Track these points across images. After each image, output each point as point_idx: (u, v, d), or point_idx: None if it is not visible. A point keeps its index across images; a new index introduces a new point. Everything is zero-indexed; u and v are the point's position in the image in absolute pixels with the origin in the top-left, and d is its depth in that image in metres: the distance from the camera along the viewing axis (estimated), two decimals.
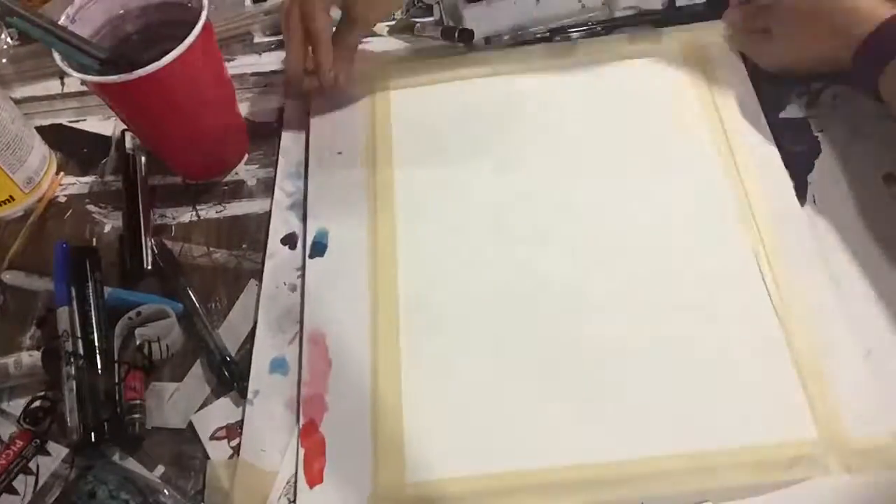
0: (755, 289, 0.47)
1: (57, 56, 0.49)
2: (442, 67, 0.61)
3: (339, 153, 0.58)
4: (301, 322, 0.50)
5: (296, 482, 0.44)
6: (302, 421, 0.46)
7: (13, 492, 0.46)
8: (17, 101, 0.61)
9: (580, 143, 0.55)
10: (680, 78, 0.58)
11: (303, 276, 0.52)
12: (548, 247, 0.51)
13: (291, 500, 0.44)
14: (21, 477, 0.46)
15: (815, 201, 0.50)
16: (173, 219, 0.57)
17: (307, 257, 0.53)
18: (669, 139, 0.54)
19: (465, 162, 0.56)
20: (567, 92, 0.58)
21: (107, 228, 0.57)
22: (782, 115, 0.55)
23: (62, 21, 0.51)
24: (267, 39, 0.67)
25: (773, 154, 0.52)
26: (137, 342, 0.49)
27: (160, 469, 0.46)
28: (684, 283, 0.48)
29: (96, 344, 0.49)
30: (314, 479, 0.44)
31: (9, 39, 0.69)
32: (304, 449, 0.45)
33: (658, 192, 0.52)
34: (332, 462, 0.45)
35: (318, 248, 0.53)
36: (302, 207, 0.55)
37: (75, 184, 0.61)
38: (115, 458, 0.46)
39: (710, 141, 0.54)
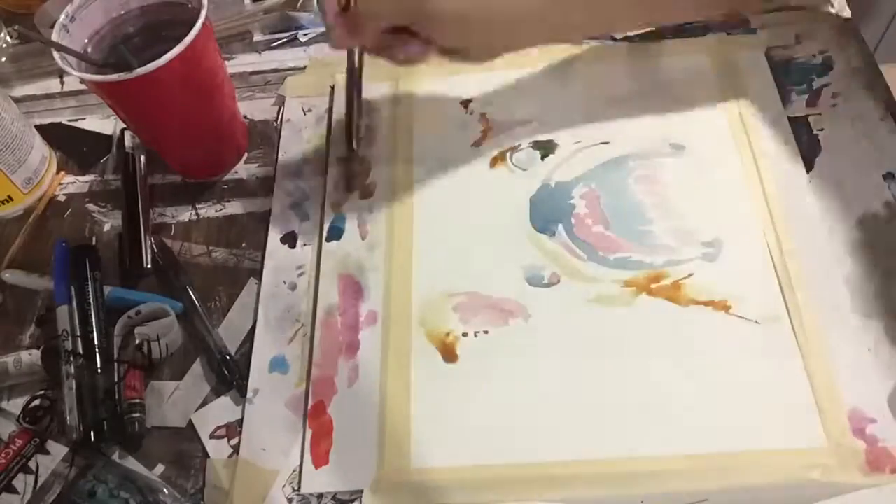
0: (767, 288, 0.47)
1: (56, 55, 0.49)
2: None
3: (361, 137, 0.58)
4: (314, 303, 0.50)
5: (301, 463, 0.44)
6: (311, 401, 0.46)
7: (13, 491, 0.46)
8: (17, 100, 0.61)
9: (601, 144, 0.55)
10: (690, 80, 0.57)
11: (318, 258, 0.52)
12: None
13: (297, 476, 0.44)
14: (21, 476, 0.46)
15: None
16: (173, 217, 0.57)
17: (324, 241, 0.53)
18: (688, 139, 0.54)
19: (486, 155, 0.56)
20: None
21: (106, 227, 0.57)
22: None
23: (62, 19, 0.51)
24: (266, 38, 0.67)
25: (796, 159, 0.52)
26: (137, 341, 0.49)
27: (160, 468, 0.46)
28: (695, 284, 0.48)
29: (96, 343, 0.49)
30: (320, 461, 0.44)
31: (8, 38, 0.69)
32: (311, 430, 0.45)
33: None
34: (339, 444, 0.45)
35: (335, 232, 0.53)
36: (301, 206, 0.55)
37: (75, 182, 0.61)
38: (115, 456, 0.46)
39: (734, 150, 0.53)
